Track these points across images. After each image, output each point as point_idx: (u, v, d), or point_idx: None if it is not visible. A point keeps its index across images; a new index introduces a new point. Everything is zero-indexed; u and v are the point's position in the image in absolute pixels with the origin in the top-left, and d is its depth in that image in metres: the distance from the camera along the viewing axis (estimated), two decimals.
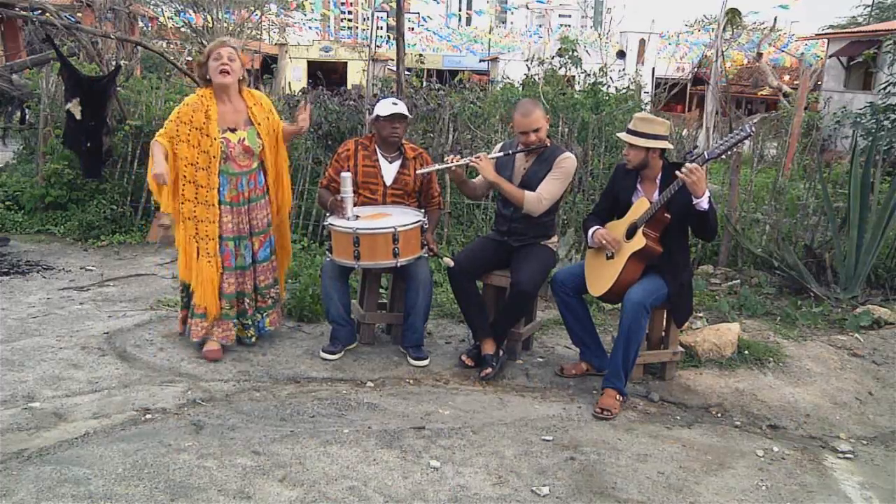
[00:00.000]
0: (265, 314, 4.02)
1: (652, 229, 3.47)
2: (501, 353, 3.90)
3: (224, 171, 3.73)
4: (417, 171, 4.00)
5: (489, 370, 3.77)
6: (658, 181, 3.56)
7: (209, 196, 3.71)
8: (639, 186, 3.63)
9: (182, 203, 3.74)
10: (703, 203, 3.32)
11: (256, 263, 3.92)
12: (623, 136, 3.58)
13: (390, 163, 4.03)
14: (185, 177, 3.71)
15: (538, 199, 3.74)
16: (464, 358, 3.93)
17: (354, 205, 3.91)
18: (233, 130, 3.73)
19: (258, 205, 3.87)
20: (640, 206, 3.52)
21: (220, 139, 3.67)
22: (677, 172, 3.30)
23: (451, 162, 3.79)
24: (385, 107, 3.95)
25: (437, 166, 4.00)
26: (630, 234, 3.52)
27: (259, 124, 3.79)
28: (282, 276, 4.19)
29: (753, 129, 3.39)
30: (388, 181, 4.02)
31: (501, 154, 3.86)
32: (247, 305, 3.92)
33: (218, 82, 3.68)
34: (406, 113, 3.97)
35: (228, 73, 3.67)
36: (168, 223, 4.16)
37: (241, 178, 3.78)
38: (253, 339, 3.99)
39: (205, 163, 3.68)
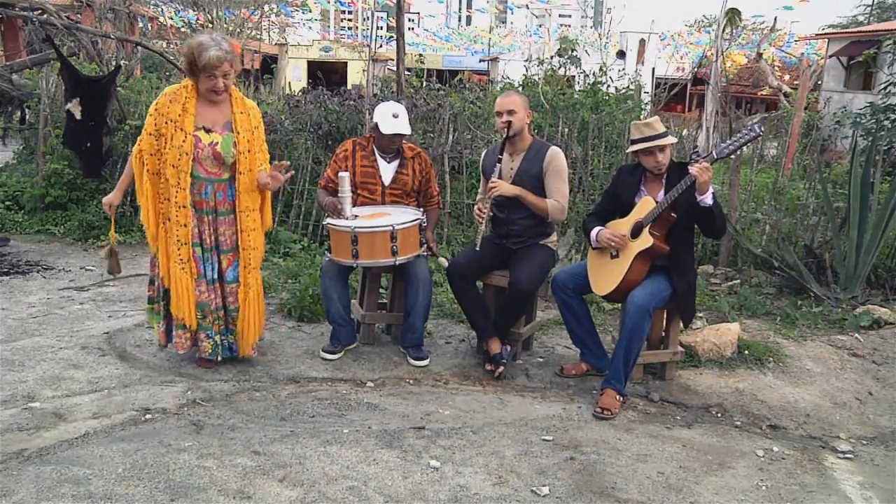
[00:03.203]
0: (236, 337, 3.71)
1: (657, 228, 3.47)
2: (508, 348, 3.90)
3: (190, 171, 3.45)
4: (477, 248, 3.87)
5: (501, 369, 3.78)
6: (664, 180, 3.57)
7: (179, 196, 3.42)
8: (642, 186, 3.63)
9: (161, 203, 3.49)
10: (707, 199, 3.36)
11: (225, 283, 3.62)
12: (647, 145, 3.49)
13: (388, 163, 4.03)
14: (161, 173, 3.45)
15: (561, 206, 3.80)
16: (488, 367, 3.86)
17: (353, 205, 3.91)
18: (207, 131, 3.45)
19: (226, 220, 3.56)
20: (645, 204, 3.52)
21: (192, 136, 3.40)
22: (690, 168, 3.31)
23: (485, 210, 3.81)
24: (386, 121, 3.89)
25: (481, 228, 3.87)
26: (635, 233, 3.52)
27: (239, 133, 3.48)
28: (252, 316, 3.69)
29: (763, 129, 3.41)
30: (387, 181, 4.02)
31: (499, 167, 3.84)
32: (209, 322, 3.61)
33: (206, 98, 3.45)
34: (407, 130, 3.95)
35: (219, 94, 3.42)
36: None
37: (206, 184, 3.48)
38: (218, 358, 3.68)
39: (174, 159, 3.39)
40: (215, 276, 3.61)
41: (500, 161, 3.85)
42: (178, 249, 3.48)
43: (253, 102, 3.68)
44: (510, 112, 3.75)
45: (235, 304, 3.67)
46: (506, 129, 3.77)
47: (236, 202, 3.55)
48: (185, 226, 3.46)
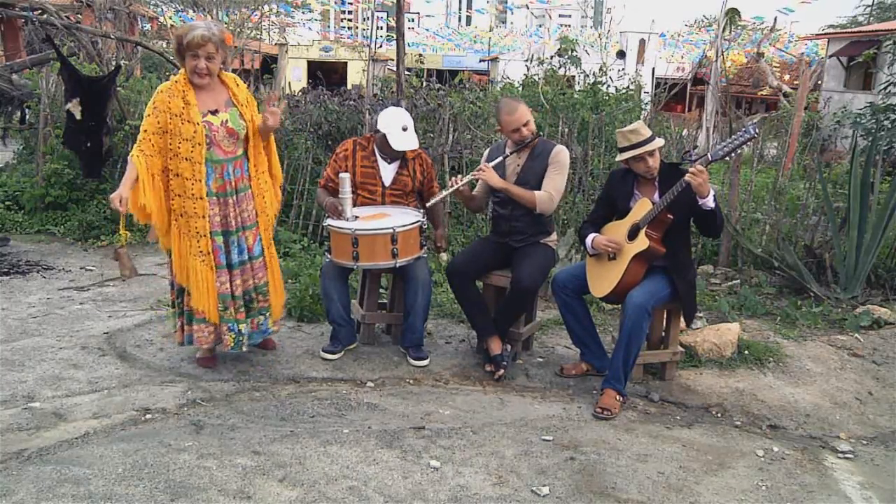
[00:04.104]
0: (267, 315, 3.75)
1: (654, 230, 3.47)
2: (509, 348, 3.91)
3: (208, 158, 3.44)
4: (427, 204, 3.98)
5: (502, 371, 3.78)
6: (656, 182, 3.56)
7: (195, 188, 3.41)
8: (636, 191, 3.63)
9: (172, 199, 3.45)
10: (710, 202, 3.36)
11: (252, 260, 3.64)
12: (636, 152, 3.49)
13: (389, 163, 4.02)
14: (170, 170, 3.42)
15: (549, 196, 3.77)
16: (488, 367, 3.86)
17: (353, 205, 3.90)
18: (214, 113, 3.45)
19: (246, 195, 3.59)
20: (642, 206, 3.52)
21: (202, 124, 3.39)
22: (687, 175, 3.29)
23: (457, 183, 3.79)
24: (395, 135, 3.86)
25: (444, 193, 3.94)
26: (632, 234, 3.51)
27: (242, 105, 3.52)
28: (278, 278, 3.85)
29: (758, 130, 3.40)
30: (387, 182, 4.01)
31: (500, 159, 3.86)
32: (234, 310, 3.60)
33: (193, 82, 3.43)
34: (416, 145, 3.95)
35: (203, 76, 3.40)
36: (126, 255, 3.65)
37: (226, 165, 3.50)
38: (243, 348, 3.67)
39: (187, 152, 3.38)
40: (245, 257, 3.60)
41: (505, 157, 3.85)
42: (198, 242, 3.45)
43: (234, 75, 3.71)
44: (526, 124, 3.76)
45: (265, 278, 3.70)
46: (528, 140, 3.78)
47: (249, 170, 3.60)
48: (204, 217, 3.45)
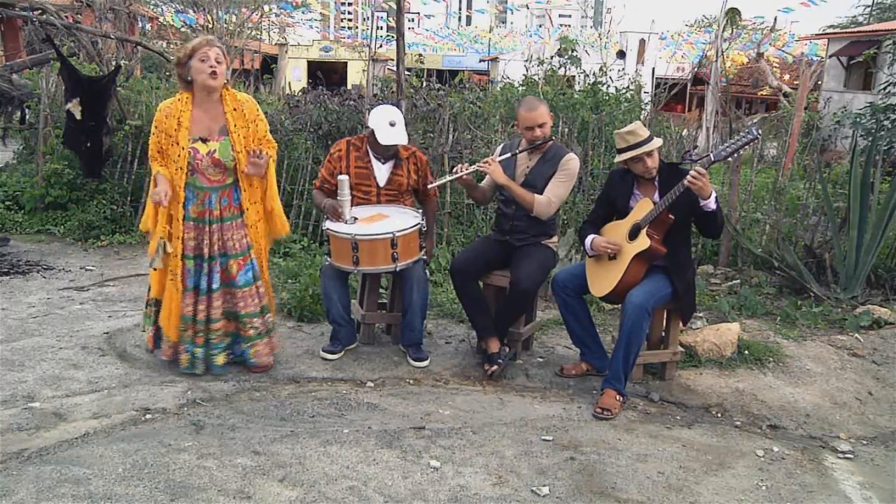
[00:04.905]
0: (249, 344, 3.64)
1: (655, 230, 3.47)
2: (507, 349, 3.91)
3: (191, 183, 3.43)
4: (429, 186, 3.99)
5: (495, 367, 3.78)
6: (656, 182, 3.56)
7: (174, 210, 3.42)
8: (636, 190, 3.63)
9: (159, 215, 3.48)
10: (711, 204, 3.36)
11: (235, 289, 3.56)
12: (635, 153, 3.49)
13: (383, 163, 4.01)
14: None
15: (548, 202, 3.77)
16: (486, 367, 3.84)
17: (350, 205, 3.89)
18: (204, 140, 3.42)
19: (233, 224, 3.54)
20: (644, 206, 3.52)
21: (188, 149, 3.39)
22: (686, 180, 3.29)
23: (462, 171, 3.78)
24: (383, 130, 3.86)
25: (448, 177, 3.99)
26: (633, 234, 3.51)
27: (233, 133, 3.45)
28: (271, 306, 3.82)
29: (760, 132, 3.40)
30: (381, 182, 4.00)
31: (509, 154, 3.86)
32: (190, 336, 3.55)
33: (206, 85, 3.38)
34: (404, 140, 3.94)
35: (217, 75, 3.37)
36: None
37: (210, 193, 3.47)
38: (196, 371, 3.58)
39: (171, 174, 3.41)
40: (215, 285, 3.54)
41: (515, 155, 3.85)
42: (170, 262, 3.49)
43: (246, 95, 3.64)
44: (541, 126, 3.76)
45: (248, 308, 3.60)
46: (540, 141, 3.78)
47: (242, 201, 3.56)
48: (178, 238, 3.46)
